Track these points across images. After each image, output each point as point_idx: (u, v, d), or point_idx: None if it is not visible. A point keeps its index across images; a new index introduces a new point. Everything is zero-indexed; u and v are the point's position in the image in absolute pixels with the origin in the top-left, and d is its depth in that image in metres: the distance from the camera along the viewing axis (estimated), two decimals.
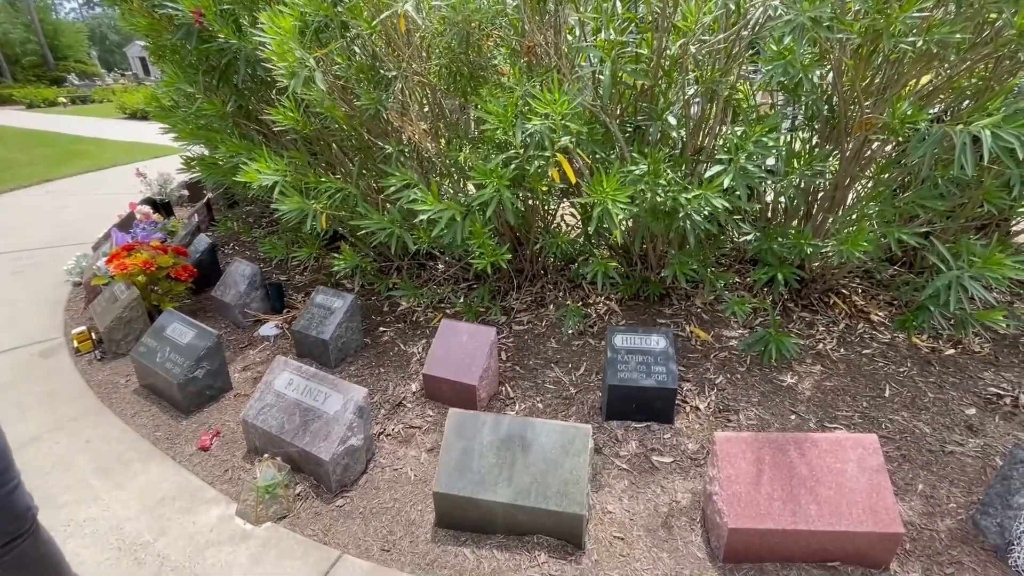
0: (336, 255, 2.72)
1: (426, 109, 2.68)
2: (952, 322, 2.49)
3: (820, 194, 2.65)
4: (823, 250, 2.27)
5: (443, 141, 2.66)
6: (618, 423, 2.11)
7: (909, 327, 2.33)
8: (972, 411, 2.14)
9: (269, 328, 2.94)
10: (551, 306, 2.97)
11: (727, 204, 2.05)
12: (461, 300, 3.06)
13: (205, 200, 4.84)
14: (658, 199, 2.10)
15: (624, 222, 2.40)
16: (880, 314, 2.81)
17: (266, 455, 1.87)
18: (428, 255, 3.44)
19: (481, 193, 2.17)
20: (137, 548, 1.67)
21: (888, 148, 2.43)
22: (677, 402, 2.20)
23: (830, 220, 2.64)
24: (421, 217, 2.21)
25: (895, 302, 2.90)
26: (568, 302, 2.98)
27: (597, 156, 2.37)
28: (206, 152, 3.51)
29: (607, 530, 1.69)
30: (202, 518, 1.77)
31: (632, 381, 2.03)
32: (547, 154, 2.15)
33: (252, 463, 1.99)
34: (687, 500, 1.78)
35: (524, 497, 1.58)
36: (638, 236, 2.51)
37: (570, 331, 2.69)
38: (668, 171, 2.09)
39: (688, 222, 2.20)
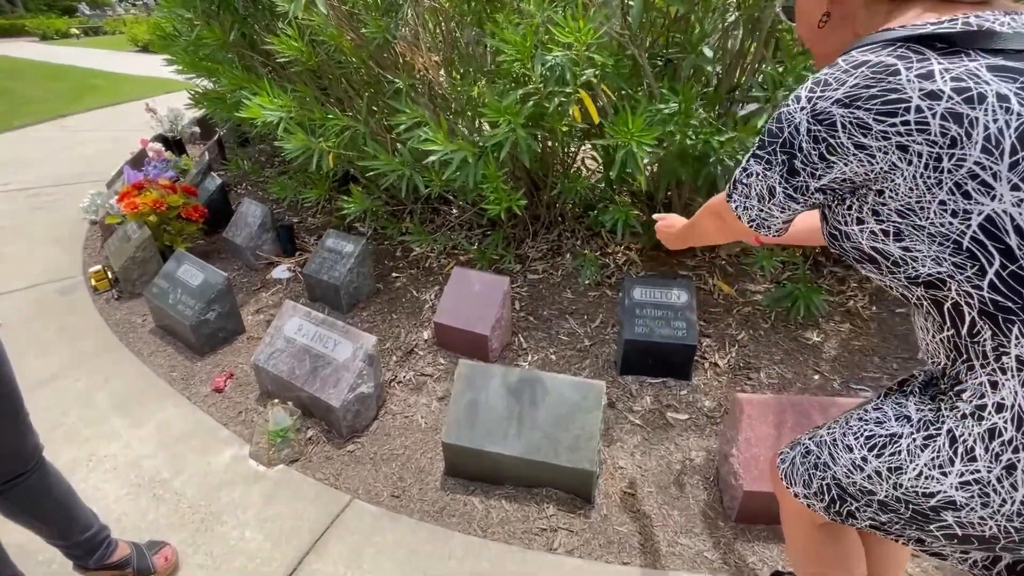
0: (346, 198, 2.62)
1: (439, 39, 2.48)
2: None
3: None
4: None
5: (457, 74, 2.47)
6: (633, 378, 2.06)
7: None
8: None
9: (281, 271, 2.91)
10: (568, 255, 2.87)
11: None
12: (475, 247, 2.97)
13: (216, 138, 4.72)
14: (688, 141, 1.93)
15: (648, 167, 2.23)
16: None
17: (277, 400, 1.87)
18: (441, 199, 3.32)
19: (494, 132, 2.02)
20: (155, 485, 1.71)
21: None
22: (696, 358, 2.13)
23: None
24: (432, 159, 2.08)
25: None
26: (586, 251, 2.87)
27: (623, 92, 2.17)
28: (211, 86, 3.36)
29: (617, 485, 1.67)
30: (217, 458, 1.81)
31: (650, 336, 1.95)
32: (568, 90, 1.97)
33: (265, 406, 2.01)
34: (701, 458, 1.74)
35: (534, 452, 1.55)
36: (663, 182, 2.34)
37: (587, 281, 2.60)
38: (701, 111, 1.90)
39: (719, 167, 2.03)
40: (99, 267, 2.89)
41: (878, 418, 0.81)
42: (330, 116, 2.42)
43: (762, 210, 0.79)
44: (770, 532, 1.51)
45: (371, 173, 2.38)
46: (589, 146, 2.82)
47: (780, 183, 0.74)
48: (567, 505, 1.60)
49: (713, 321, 2.34)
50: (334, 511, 1.61)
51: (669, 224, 1.24)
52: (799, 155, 0.70)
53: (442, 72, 2.44)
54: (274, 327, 2.04)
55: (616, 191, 2.76)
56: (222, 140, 4.69)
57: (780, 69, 1.83)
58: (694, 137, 1.90)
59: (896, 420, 0.79)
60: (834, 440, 0.85)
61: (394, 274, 2.85)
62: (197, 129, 5.38)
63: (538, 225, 3.00)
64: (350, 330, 1.91)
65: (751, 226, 0.83)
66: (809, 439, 0.94)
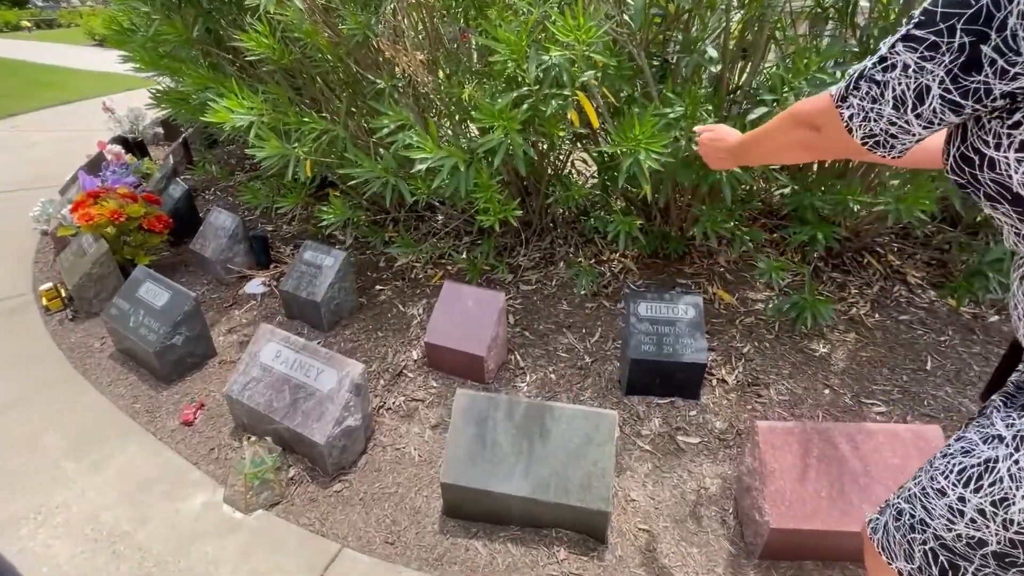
0: (324, 206, 2.44)
1: (423, 36, 2.31)
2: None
3: None
4: (875, 208, 2.01)
5: (443, 74, 2.31)
6: (639, 398, 1.94)
7: (960, 294, 2.12)
8: None
9: (255, 285, 2.71)
10: (562, 263, 2.74)
11: None
12: (464, 256, 2.82)
13: (181, 139, 4.44)
14: (694, 147, 1.81)
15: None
16: (917, 275, 2.59)
17: (253, 438, 1.69)
18: (428, 205, 3.15)
19: (488, 138, 1.87)
20: (116, 539, 1.52)
21: None
22: None
23: (874, 172, 2.36)
24: (419, 167, 1.92)
25: (933, 261, 2.68)
26: (580, 259, 2.74)
27: (622, 95, 2.05)
28: (174, 85, 3.11)
29: (631, 520, 1.55)
30: (186, 505, 1.62)
31: (657, 354, 1.83)
32: (566, 92, 1.84)
33: (240, 440, 1.83)
34: (716, 487, 1.64)
35: (543, 491, 1.42)
36: (664, 188, 2.23)
37: (583, 292, 2.48)
38: (707, 115, 1.79)
39: (724, 173, 1.92)
40: (51, 285, 2.64)
41: (964, 447, 0.70)
42: (306, 119, 2.23)
43: (895, 122, 0.59)
44: (797, 570, 1.41)
45: (352, 181, 2.20)
46: (580, 146, 2.70)
47: (943, 81, 0.54)
48: (579, 547, 1.47)
49: (717, 333, 2.25)
50: (321, 564, 1.45)
51: (718, 137, 0.98)
52: (996, 37, 0.49)
53: (427, 72, 2.28)
54: (249, 354, 1.86)
55: (610, 196, 2.64)
56: (188, 141, 4.41)
57: (788, 70, 1.73)
58: None
59: (985, 443, 0.67)
60: (923, 489, 0.73)
61: (378, 287, 2.68)
62: (160, 130, 5.07)
63: (530, 232, 2.87)
64: (334, 357, 1.74)
65: (866, 144, 0.63)
66: (898, 497, 0.81)
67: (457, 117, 2.38)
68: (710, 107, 1.76)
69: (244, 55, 2.35)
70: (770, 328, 2.27)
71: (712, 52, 1.96)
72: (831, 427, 1.41)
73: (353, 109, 2.64)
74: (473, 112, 1.94)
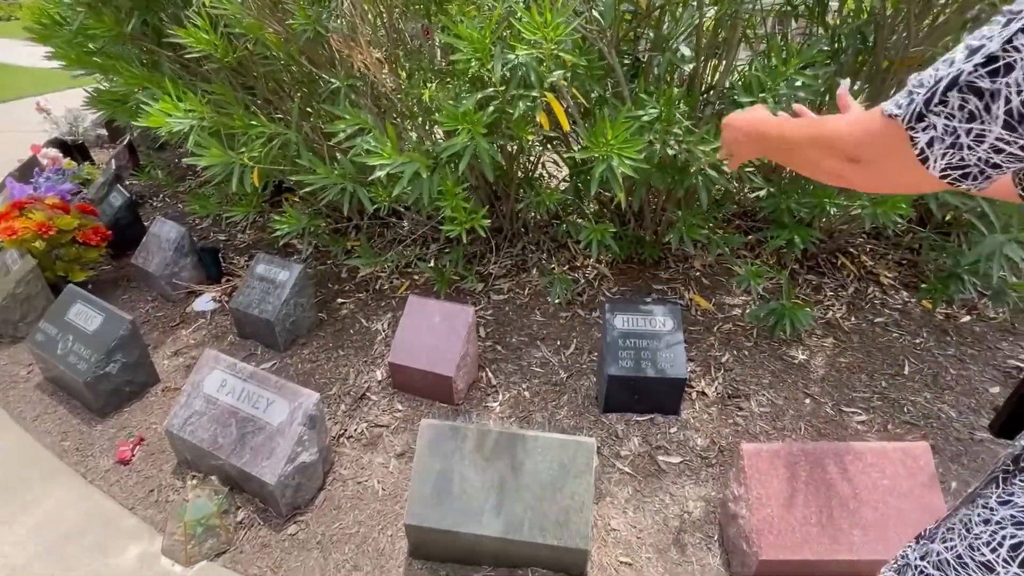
0: (278, 216, 2.26)
1: (380, 32, 2.16)
2: (987, 294, 2.27)
3: None
4: (852, 211, 1.97)
5: (403, 73, 2.17)
6: (618, 416, 1.85)
7: (936, 297, 2.10)
8: (996, 389, 1.97)
9: (204, 302, 2.51)
10: (534, 270, 2.63)
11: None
12: (431, 265, 2.68)
13: (126, 141, 4.14)
14: (669, 151, 1.72)
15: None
16: (890, 276, 2.58)
17: (194, 481, 1.52)
18: (392, 211, 2.99)
19: (452, 142, 1.74)
20: None
21: None
22: None
23: None
24: (378, 174, 1.77)
25: (904, 261, 2.68)
26: (553, 266, 2.64)
27: (592, 95, 1.94)
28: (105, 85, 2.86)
29: (611, 552, 1.45)
30: (119, 559, 1.45)
31: (635, 370, 1.74)
32: (534, 93, 1.72)
33: (183, 479, 1.65)
34: (700, 511, 1.55)
35: (516, 530, 1.30)
36: (637, 193, 2.14)
37: (556, 300, 2.37)
38: (682, 117, 1.70)
39: (701, 178, 1.84)
40: None
41: (1015, 515, 0.60)
42: (254, 123, 2.05)
43: (1003, 147, 0.44)
44: None
45: (307, 189, 2.04)
46: (550, 148, 2.59)
47: None
48: None
49: (695, 342, 2.17)
50: None
51: (753, 119, 0.77)
52: None
53: (386, 71, 2.13)
54: (191, 384, 1.68)
55: (582, 200, 2.54)
56: (133, 144, 4.12)
57: (765, 72, 1.65)
58: (676, 146, 1.70)
59: None
60: (960, 558, 0.64)
61: (339, 300, 2.51)
62: (104, 131, 4.74)
63: (500, 238, 2.75)
64: (285, 386, 1.58)
65: (946, 177, 0.48)
66: (921, 558, 0.70)
67: (420, 119, 2.24)
68: (685, 108, 1.67)
69: (185, 52, 2.15)
70: (748, 335, 2.21)
71: (686, 50, 1.87)
72: (817, 448, 1.34)
73: (309, 110, 2.47)
74: (437, 114, 1.81)
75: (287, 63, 2.27)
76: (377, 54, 1.98)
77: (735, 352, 2.13)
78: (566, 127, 1.79)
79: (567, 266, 2.66)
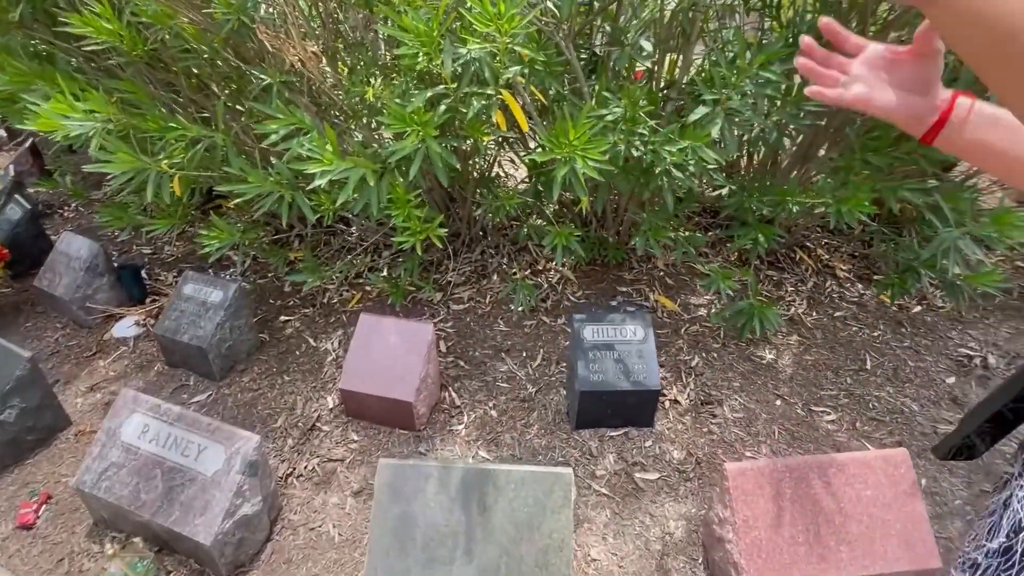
0: (205, 231, 2.02)
1: (315, 24, 1.96)
2: (940, 287, 2.32)
3: (797, 140, 2.30)
4: (815, 209, 1.95)
5: (344, 69, 1.97)
6: (591, 432, 1.75)
7: (895, 292, 2.12)
8: (951, 379, 2.01)
9: (125, 327, 2.23)
10: (495, 276, 2.50)
11: (719, 159, 1.63)
12: (383, 275, 2.50)
13: (29, 143, 3.68)
14: (634, 152, 1.63)
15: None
16: (845, 268, 2.62)
17: (114, 545, 1.31)
18: (339, 218, 2.78)
19: (401, 145, 1.58)
20: None
21: None
22: None
23: (803, 171, 2.32)
24: (318, 182, 1.59)
25: (856, 254, 2.73)
26: (515, 270, 2.52)
27: (550, 92, 1.82)
28: None
29: None
30: None
31: (608, 384, 1.65)
32: (489, 91, 1.58)
33: (101, 543, 1.43)
34: (681, 531, 1.48)
35: None
36: (600, 195, 2.05)
37: (520, 308, 2.25)
38: (647, 116, 1.61)
39: (666, 179, 1.76)
40: None
41: None
42: (172, 125, 1.81)
43: None
44: None
45: (240, 200, 1.82)
46: (507, 148, 2.46)
47: None
48: None
49: (663, 346, 2.11)
50: None
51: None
52: None
53: (325, 66, 1.93)
54: (106, 431, 1.45)
55: (543, 201, 2.43)
56: (37, 146, 3.66)
57: (729, 68, 1.58)
58: (642, 147, 1.61)
59: None
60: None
61: (283, 317, 2.30)
62: (2, 132, 4.21)
63: (458, 243, 2.60)
64: (220, 428, 1.39)
65: None
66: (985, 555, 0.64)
67: (365, 120, 2.05)
68: (649, 107, 1.58)
69: (82, 43, 1.87)
70: (715, 336, 2.17)
71: (646, 45, 1.78)
72: (801, 462, 1.29)
73: (239, 108, 2.23)
74: (382, 118, 1.64)
75: (211, 57, 2.02)
76: (313, 47, 1.78)
77: (704, 355, 2.08)
78: (525, 127, 1.66)
79: (529, 270, 2.54)
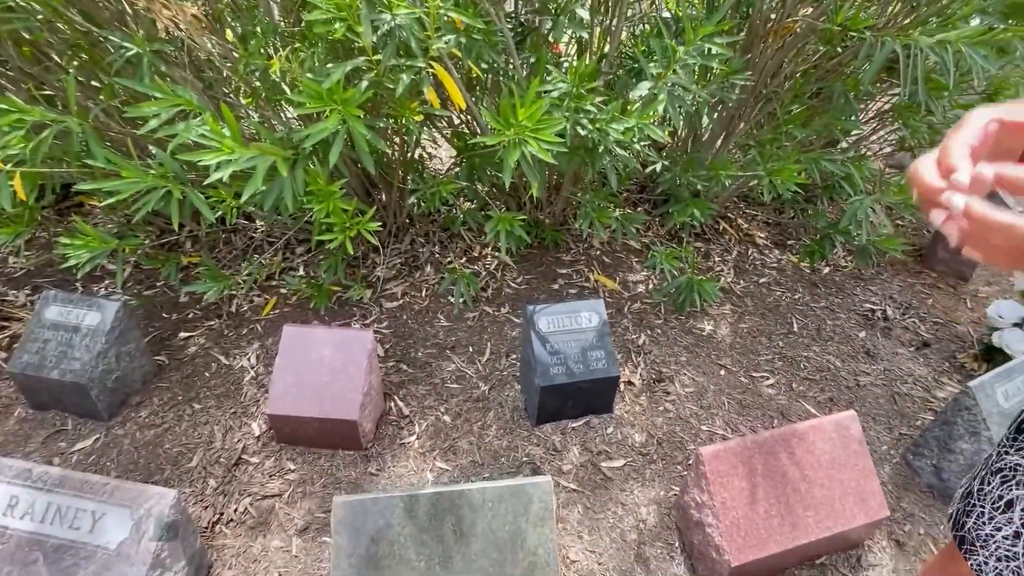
0: (68, 233, 1.63)
1: None
2: (854, 252, 2.51)
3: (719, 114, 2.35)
4: (749, 182, 2.00)
5: (230, 35, 1.66)
6: (552, 426, 1.69)
7: (814, 257, 2.27)
8: (863, 333, 2.20)
9: None
10: (428, 267, 2.33)
11: (663, 135, 1.59)
12: (301, 276, 2.22)
13: None
14: (581, 131, 1.54)
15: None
16: (763, 236, 2.78)
17: None
18: (243, 212, 2.42)
19: (319, 127, 1.35)
20: None
21: (799, 60, 2.17)
22: None
23: (725, 145, 2.39)
24: (217, 175, 1.32)
25: (770, 221, 2.90)
26: (449, 259, 2.36)
27: (486, 67, 1.67)
28: None
29: None
30: None
31: (567, 376, 1.58)
32: (419, 64, 1.39)
33: None
34: (654, 516, 1.47)
35: None
36: (540, 177, 1.94)
37: (462, 299, 2.11)
38: (592, 93, 1.52)
39: (608, 158, 1.70)
40: None
41: None
42: (3, 107, 1.41)
43: None
44: None
45: (112, 200, 1.47)
46: (432, 128, 2.26)
47: None
48: None
49: (610, 327, 2.09)
50: None
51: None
52: None
53: (206, 32, 1.60)
54: None
55: (475, 183, 2.28)
56: None
57: (674, 38, 1.53)
58: (589, 125, 1.52)
59: None
60: None
61: (183, 334, 1.96)
62: None
63: (384, 234, 2.37)
64: (120, 487, 1.12)
65: None
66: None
67: (269, 97, 1.75)
68: (594, 84, 1.49)
69: None
70: (657, 312, 2.19)
71: (583, 13, 1.68)
72: (768, 439, 1.31)
73: (97, 85, 1.81)
74: (293, 91, 1.39)
75: (49, 18, 1.60)
76: (192, 9, 1.46)
77: (649, 332, 2.09)
78: (461, 104, 1.50)
79: (464, 258, 2.40)
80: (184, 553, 1.16)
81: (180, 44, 1.59)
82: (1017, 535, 0.70)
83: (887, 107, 2.24)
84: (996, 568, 0.72)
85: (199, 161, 1.27)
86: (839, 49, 1.79)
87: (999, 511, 0.72)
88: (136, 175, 1.45)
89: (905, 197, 1.91)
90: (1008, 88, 2.10)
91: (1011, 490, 0.70)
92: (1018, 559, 0.69)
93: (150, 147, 1.73)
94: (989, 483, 0.74)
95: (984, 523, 0.74)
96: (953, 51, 1.38)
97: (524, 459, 1.59)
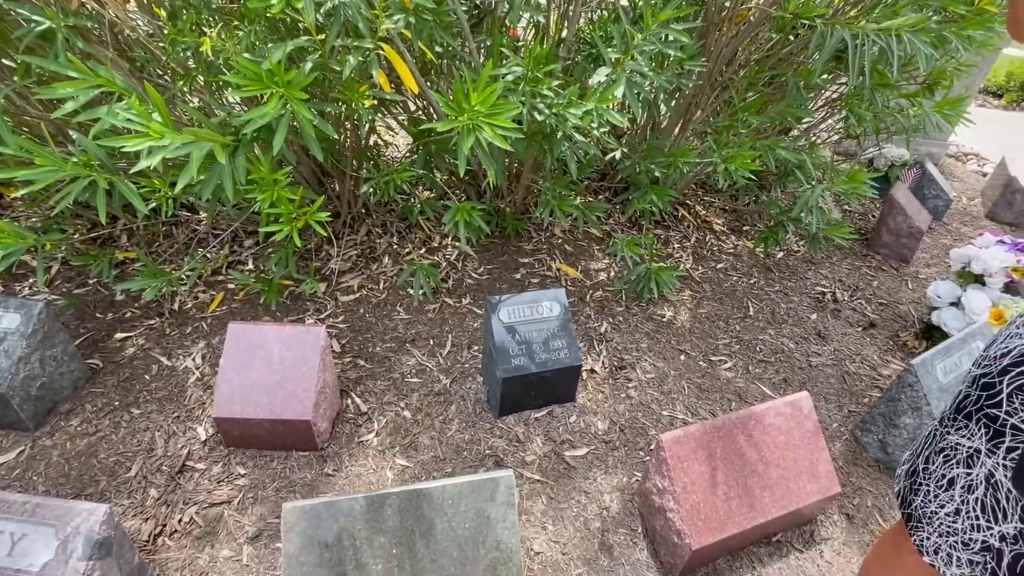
0: None
1: None
2: (806, 239, 2.58)
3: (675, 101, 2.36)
4: (706, 169, 2.02)
5: (162, 13, 1.53)
6: (516, 418, 1.66)
7: (768, 243, 2.32)
8: (814, 316, 2.28)
9: None
10: (386, 259, 2.25)
11: (622, 121, 1.58)
12: (249, 270, 2.11)
13: None
14: (538, 116, 1.50)
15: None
16: (720, 223, 2.83)
17: None
18: (181, 203, 2.28)
19: (260, 112, 1.26)
20: None
21: (753, 48, 2.20)
22: None
23: (682, 133, 2.41)
24: (145, 162, 1.21)
25: (727, 208, 2.96)
26: (408, 250, 2.29)
27: (439, 50, 1.60)
28: None
29: None
30: None
31: (529, 367, 1.56)
32: (367, 44, 1.32)
33: None
34: (617, 503, 1.48)
35: None
36: (499, 164, 1.90)
37: (422, 292, 2.06)
38: (550, 77, 1.48)
39: (567, 145, 1.67)
40: None
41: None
42: None
43: None
44: (711, 572, 1.34)
45: (26, 190, 1.34)
46: (384, 113, 2.18)
47: None
48: None
49: (572, 315, 2.08)
50: None
51: None
52: None
53: (133, 7, 1.48)
54: None
55: (432, 171, 2.21)
56: None
57: (632, 24, 1.51)
58: (546, 111, 1.48)
59: None
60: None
61: (119, 335, 1.83)
62: None
63: (339, 224, 2.28)
64: (43, 505, 1.03)
65: None
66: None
67: (203, 80, 1.63)
68: (552, 67, 1.45)
69: None
70: (619, 300, 2.20)
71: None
72: (727, 423, 1.33)
73: (8, 63, 1.65)
74: (229, 72, 1.29)
75: None
76: None
77: (611, 320, 2.10)
78: (414, 88, 1.43)
79: (423, 248, 2.34)
80: (120, 571, 1.08)
81: (102, 20, 1.46)
82: (957, 512, 0.72)
83: (835, 96, 2.30)
84: (936, 544, 0.74)
85: (120, 147, 1.17)
86: (791, 38, 1.81)
87: (942, 489, 0.74)
88: (52, 163, 1.32)
89: (854, 185, 1.97)
90: (945, 79, 2.19)
91: (952, 469, 0.72)
92: (957, 535, 0.72)
93: (72, 133, 1.59)
94: (933, 462, 0.76)
95: (929, 501, 0.76)
96: (896, 38, 1.42)
97: (487, 452, 1.57)
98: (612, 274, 2.32)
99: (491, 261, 2.32)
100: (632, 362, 1.93)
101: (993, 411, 0.67)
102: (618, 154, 2.17)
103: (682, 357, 1.98)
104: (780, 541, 1.42)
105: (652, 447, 1.56)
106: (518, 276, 2.25)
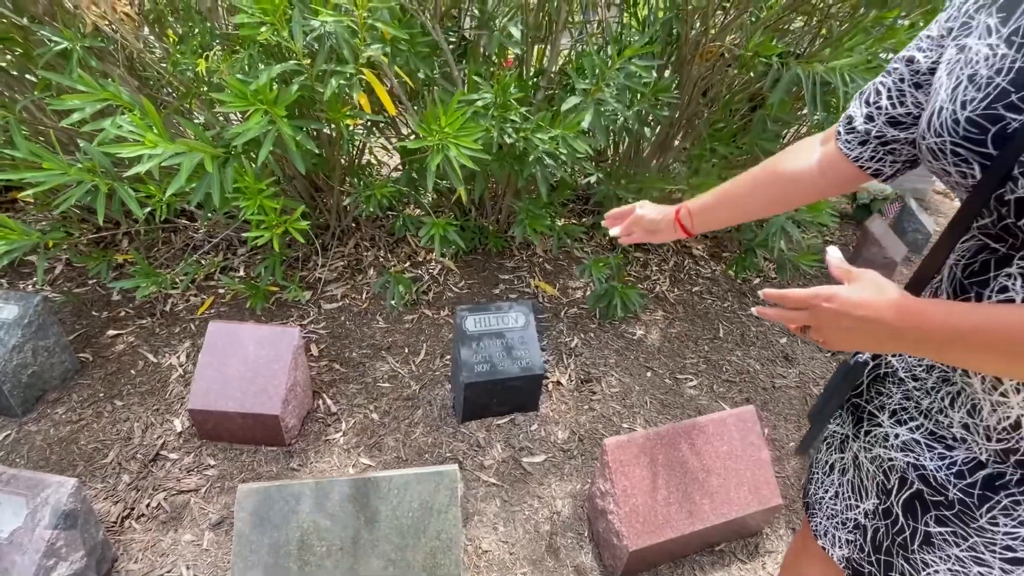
0: None
1: None
2: (775, 264, 2.66)
3: (655, 131, 2.48)
4: (673, 194, 2.12)
5: (170, 35, 1.68)
6: (478, 424, 1.73)
7: (739, 269, 2.40)
8: (784, 340, 2.34)
9: None
10: (371, 271, 2.36)
11: (588, 148, 1.69)
12: (239, 276, 2.22)
13: None
14: (507, 139, 1.62)
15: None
16: (699, 248, 2.91)
17: None
18: (180, 210, 2.41)
19: (245, 127, 1.39)
20: None
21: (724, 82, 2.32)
22: None
23: (662, 160, 2.52)
24: (139, 168, 1.33)
25: (708, 234, 3.05)
26: (393, 263, 2.40)
27: (419, 75, 1.74)
28: None
29: None
30: None
31: (492, 374, 1.63)
32: (349, 69, 1.45)
33: None
34: (568, 508, 1.53)
35: None
36: (478, 183, 2.01)
37: (393, 302, 2.15)
38: (517, 103, 1.60)
39: (539, 168, 1.78)
40: None
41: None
42: None
43: None
44: (653, 574, 1.39)
45: (32, 192, 1.46)
46: (376, 134, 2.32)
47: None
48: None
49: (545, 330, 2.16)
50: None
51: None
52: None
53: (137, 27, 1.63)
54: None
55: (419, 190, 2.34)
56: None
57: (603, 59, 1.63)
58: (514, 135, 1.60)
59: None
60: None
61: (111, 332, 1.93)
62: None
63: (328, 236, 2.40)
64: (16, 477, 1.11)
65: None
66: None
67: (204, 95, 1.77)
68: (520, 93, 1.57)
69: None
70: (592, 317, 2.28)
71: (515, 31, 1.77)
72: (671, 430, 1.39)
73: (32, 79, 1.80)
74: (218, 94, 1.42)
75: None
76: (125, 6, 1.49)
77: (582, 335, 2.17)
78: (392, 110, 1.56)
79: (408, 262, 2.44)
80: (84, 544, 1.15)
81: (115, 42, 1.61)
82: (836, 495, 0.78)
83: (803, 129, 2.41)
84: (825, 527, 0.80)
85: (117, 154, 1.29)
86: (751, 74, 1.93)
87: (825, 475, 0.80)
88: (59, 167, 1.45)
89: (815, 214, 2.05)
90: None
91: (831, 455, 0.79)
92: (838, 516, 0.78)
93: (80, 142, 1.73)
94: (820, 451, 0.83)
95: (819, 488, 0.82)
96: (840, 75, 1.53)
97: (447, 455, 1.63)
98: (588, 293, 2.40)
99: (472, 276, 2.42)
100: (599, 376, 1.99)
101: (857, 400, 0.75)
102: (593, 179, 2.28)
103: (648, 374, 2.05)
104: (724, 551, 1.46)
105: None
106: (497, 291, 2.34)
